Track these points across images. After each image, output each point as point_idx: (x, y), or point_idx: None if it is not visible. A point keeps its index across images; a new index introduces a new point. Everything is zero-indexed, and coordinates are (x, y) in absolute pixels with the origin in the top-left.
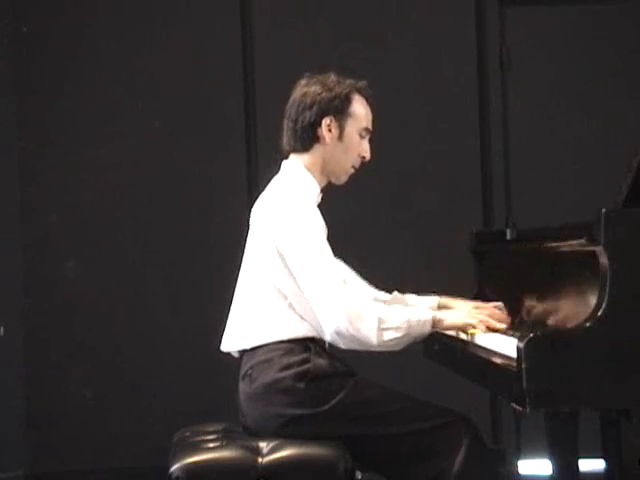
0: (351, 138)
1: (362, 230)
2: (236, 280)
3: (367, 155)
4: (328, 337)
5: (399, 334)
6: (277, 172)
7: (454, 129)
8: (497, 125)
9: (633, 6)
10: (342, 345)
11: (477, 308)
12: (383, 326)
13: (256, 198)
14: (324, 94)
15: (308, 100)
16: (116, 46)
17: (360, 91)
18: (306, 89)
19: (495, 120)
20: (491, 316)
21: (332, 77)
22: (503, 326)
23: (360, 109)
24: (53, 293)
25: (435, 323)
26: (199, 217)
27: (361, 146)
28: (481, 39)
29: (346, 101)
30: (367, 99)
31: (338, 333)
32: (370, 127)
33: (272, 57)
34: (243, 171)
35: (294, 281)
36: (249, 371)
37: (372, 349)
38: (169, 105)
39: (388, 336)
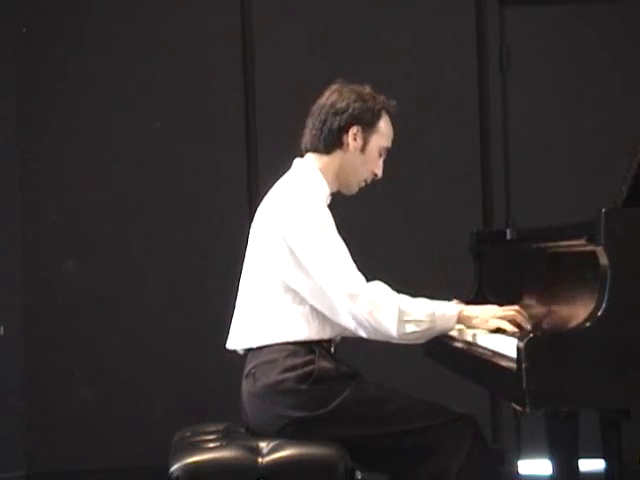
0: (372, 153)
1: (362, 230)
2: (237, 279)
3: (379, 174)
4: (351, 327)
5: (421, 327)
6: (283, 171)
7: (454, 129)
8: (497, 125)
9: (632, 6)
10: (365, 335)
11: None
12: (404, 318)
13: (256, 198)
14: (358, 104)
15: (342, 105)
16: (116, 46)
17: (389, 110)
18: (339, 95)
19: (495, 120)
20: (517, 314)
21: (368, 89)
22: (527, 324)
23: (386, 128)
24: (53, 293)
25: (461, 319)
26: (199, 216)
27: (377, 163)
28: (481, 39)
29: (376, 116)
30: (392, 119)
31: (359, 324)
32: (390, 147)
33: (272, 57)
34: (243, 171)
35: (308, 277)
36: (252, 370)
37: (393, 341)
38: (169, 105)
39: (409, 329)
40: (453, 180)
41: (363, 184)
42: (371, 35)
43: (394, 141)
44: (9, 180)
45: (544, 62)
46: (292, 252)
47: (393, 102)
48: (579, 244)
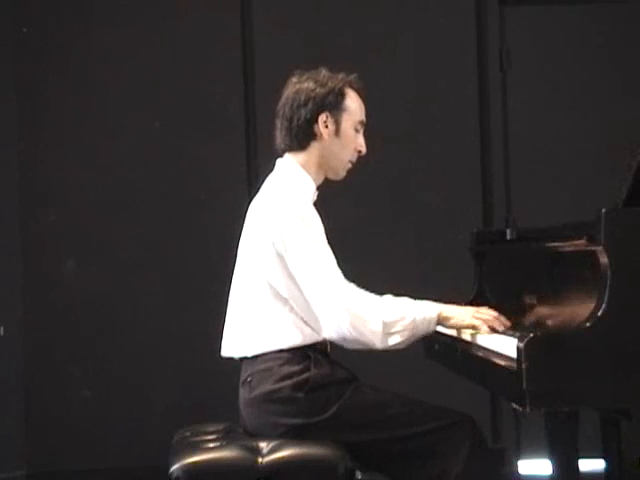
0: (347, 133)
1: (362, 230)
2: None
3: (363, 149)
4: (334, 338)
5: (404, 337)
6: (271, 171)
7: (454, 129)
8: (497, 125)
9: (633, 6)
10: (345, 346)
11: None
12: (388, 331)
13: None
14: (318, 90)
15: (302, 97)
16: (116, 46)
17: (351, 85)
18: (298, 86)
19: (495, 120)
20: (494, 319)
21: (323, 72)
22: (502, 328)
23: (354, 103)
24: (53, 293)
25: (440, 320)
26: (199, 217)
27: (357, 140)
28: (481, 39)
29: (340, 96)
30: (359, 92)
31: (341, 336)
32: (364, 120)
33: (272, 57)
34: (243, 171)
35: (294, 283)
36: (248, 379)
37: (376, 349)
38: (169, 105)
39: (393, 340)
40: (453, 180)
41: (350, 165)
42: (371, 35)
43: (394, 140)
44: (9, 180)
45: (544, 62)
46: (280, 257)
47: (353, 76)
48: (579, 244)
